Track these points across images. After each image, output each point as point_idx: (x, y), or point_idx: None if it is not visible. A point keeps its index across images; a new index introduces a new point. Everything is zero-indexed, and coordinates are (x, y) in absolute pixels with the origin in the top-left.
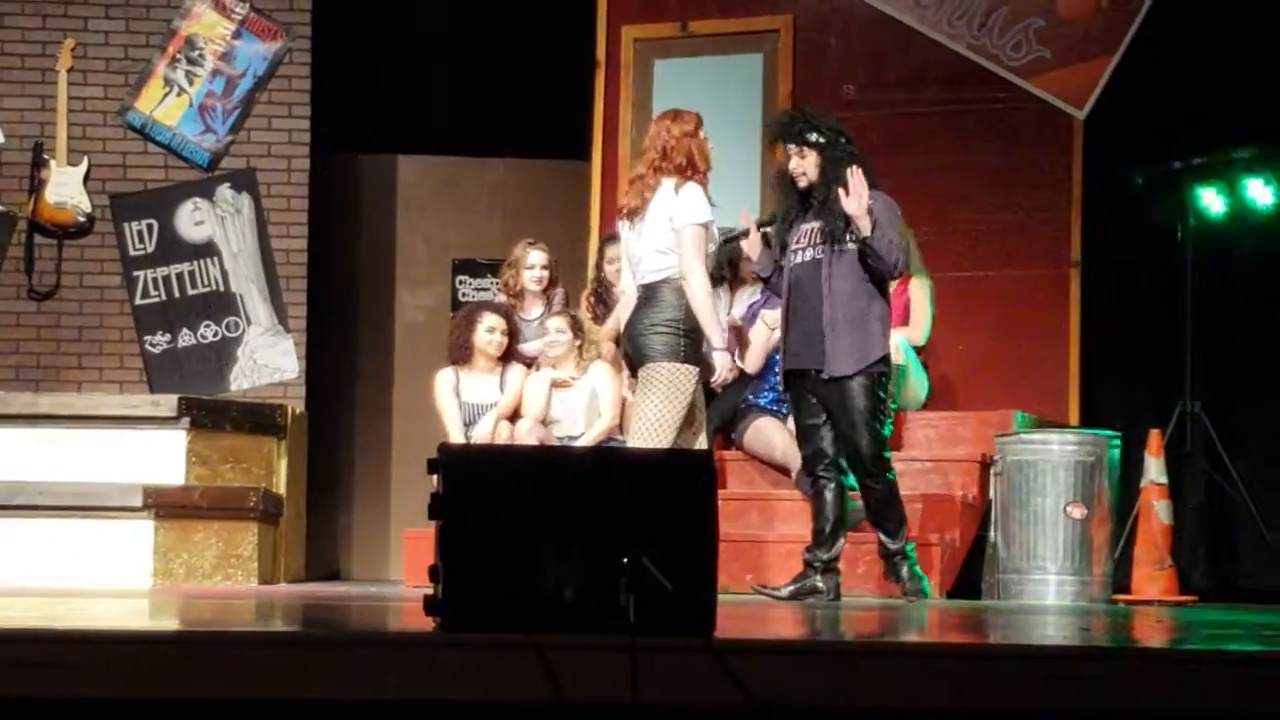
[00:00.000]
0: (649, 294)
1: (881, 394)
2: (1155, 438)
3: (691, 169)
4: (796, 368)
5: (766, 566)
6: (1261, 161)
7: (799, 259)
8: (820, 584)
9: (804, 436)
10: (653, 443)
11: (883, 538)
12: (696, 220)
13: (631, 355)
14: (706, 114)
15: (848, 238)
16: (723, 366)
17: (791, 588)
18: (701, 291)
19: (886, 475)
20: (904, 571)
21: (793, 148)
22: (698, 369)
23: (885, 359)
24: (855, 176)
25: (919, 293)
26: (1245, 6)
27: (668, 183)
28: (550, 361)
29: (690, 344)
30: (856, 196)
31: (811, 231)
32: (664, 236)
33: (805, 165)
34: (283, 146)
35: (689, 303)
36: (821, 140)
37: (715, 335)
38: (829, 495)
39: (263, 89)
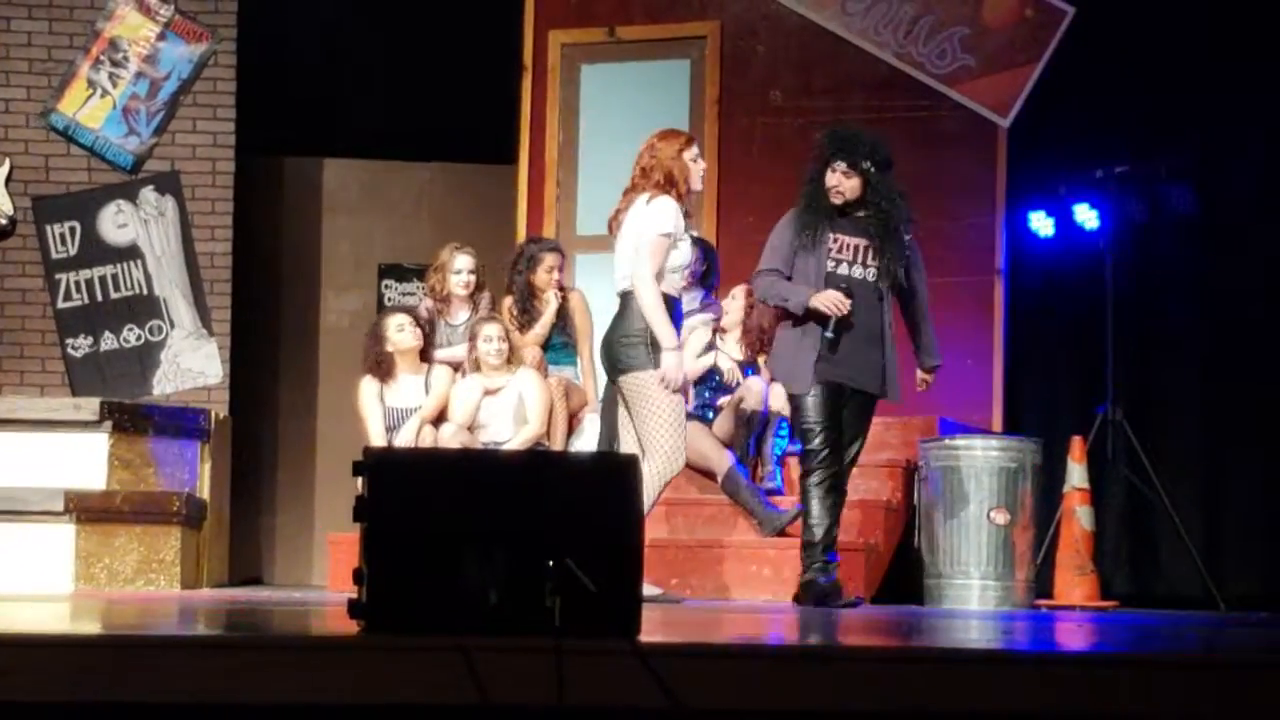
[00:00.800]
0: (622, 304)
1: None
2: (1078, 444)
3: (670, 185)
4: (852, 385)
5: (692, 571)
6: (1183, 169)
7: (842, 269)
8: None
9: (832, 447)
10: (672, 442)
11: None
12: (657, 230)
13: (608, 365)
14: (633, 119)
15: (900, 281)
16: (671, 366)
17: (815, 594)
18: (648, 297)
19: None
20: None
21: (843, 165)
22: None
23: None
24: None
25: None
26: (1166, 18)
27: (642, 197)
28: (477, 367)
29: (659, 350)
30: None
31: (859, 248)
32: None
33: (847, 186)
34: (207, 149)
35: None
36: (872, 170)
37: (665, 337)
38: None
39: (187, 91)
